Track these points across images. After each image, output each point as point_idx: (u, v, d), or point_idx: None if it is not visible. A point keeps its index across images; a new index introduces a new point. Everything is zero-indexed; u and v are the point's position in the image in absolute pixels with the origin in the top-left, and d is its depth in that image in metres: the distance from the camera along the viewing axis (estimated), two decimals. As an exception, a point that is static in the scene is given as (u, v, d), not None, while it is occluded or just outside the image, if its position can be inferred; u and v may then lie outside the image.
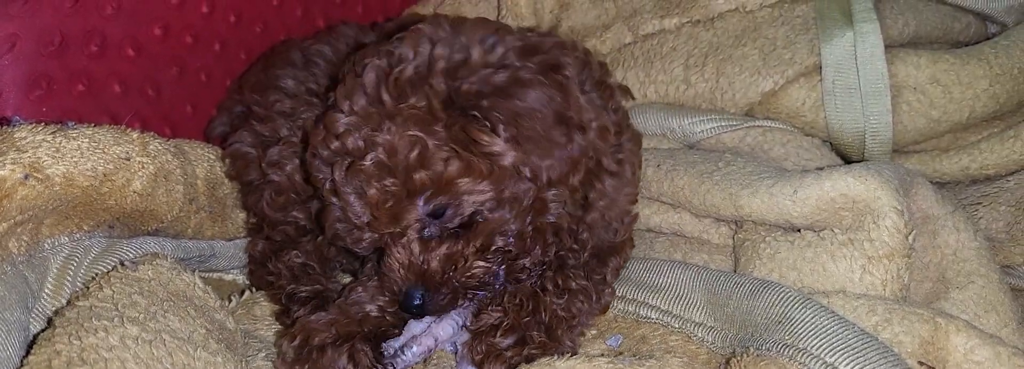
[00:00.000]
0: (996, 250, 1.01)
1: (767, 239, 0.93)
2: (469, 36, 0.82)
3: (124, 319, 0.69)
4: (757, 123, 1.11)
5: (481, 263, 0.82)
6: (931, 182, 1.08)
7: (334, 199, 0.80)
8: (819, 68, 1.09)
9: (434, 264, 0.81)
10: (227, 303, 0.95)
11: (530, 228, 0.83)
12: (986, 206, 1.06)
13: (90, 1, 0.98)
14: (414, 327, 0.87)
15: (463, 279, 0.82)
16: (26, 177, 0.71)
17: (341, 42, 1.10)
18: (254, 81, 1.11)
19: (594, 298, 0.89)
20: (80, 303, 0.71)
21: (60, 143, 0.76)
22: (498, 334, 0.82)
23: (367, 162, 0.76)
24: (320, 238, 0.99)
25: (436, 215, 0.80)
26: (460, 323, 0.88)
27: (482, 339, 0.83)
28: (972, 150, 1.09)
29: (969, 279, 0.89)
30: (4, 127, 0.76)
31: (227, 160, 1.04)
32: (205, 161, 1.00)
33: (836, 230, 0.89)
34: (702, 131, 1.12)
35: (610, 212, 0.92)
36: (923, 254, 0.92)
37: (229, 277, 1.05)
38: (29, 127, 0.76)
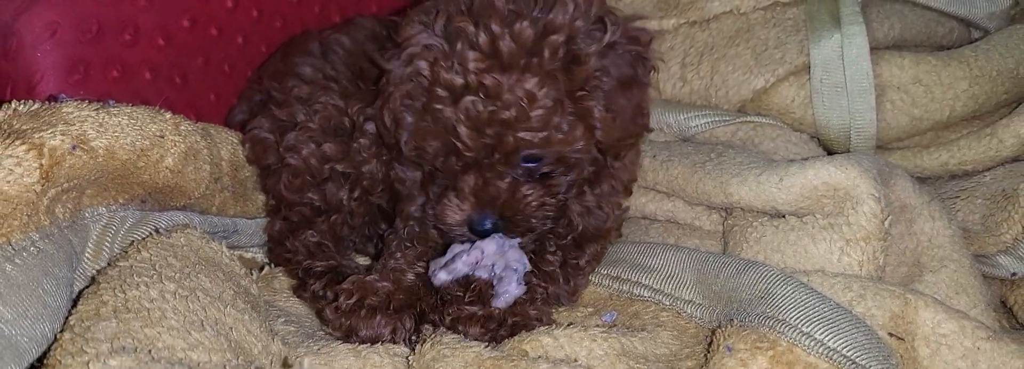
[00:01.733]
0: (972, 240, 1.07)
1: (754, 224, 1.00)
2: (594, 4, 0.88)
3: (162, 277, 0.75)
4: (749, 119, 1.18)
5: (552, 202, 0.91)
6: (914, 176, 1.16)
7: (436, 123, 0.84)
8: (808, 67, 1.16)
9: (516, 199, 0.88)
10: (252, 275, 1.01)
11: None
12: (964, 199, 1.12)
13: (126, -9, 1.05)
14: (457, 248, 0.93)
15: (526, 216, 0.89)
16: (74, 148, 0.77)
17: (358, 33, 1.17)
18: (273, 69, 1.18)
19: (564, 280, 0.96)
20: (121, 263, 0.77)
21: (103, 119, 0.83)
22: (468, 298, 0.90)
23: (494, 107, 0.81)
24: (334, 218, 1.06)
25: (528, 161, 0.86)
26: (504, 244, 0.93)
27: (454, 305, 0.90)
28: (951, 147, 1.15)
29: (942, 263, 0.96)
30: (52, 103, 0.82)
31: (247, 145, 1.10)
32: (228, 144, 1.06)
33: (818, 215, 0.95)
34: (697, 126, 1.19)
35: (606, 198, 0.99)
36: (900, 241, 0.98)
37: (248, 255, 1.11)
38: (75, 103, 0.83)
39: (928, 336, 0.83)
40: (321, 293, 0.95)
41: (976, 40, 1.28)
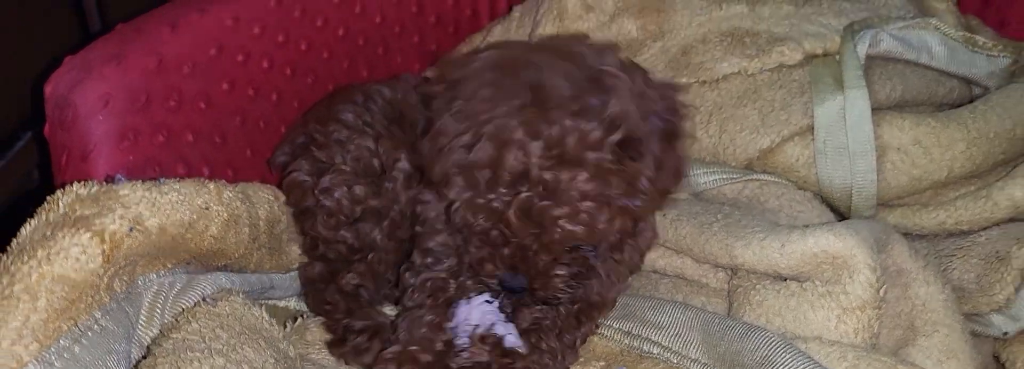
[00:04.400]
0: (966, 299, 1.13)
1: (757, 287, 1.06)
2: (637, 79, 0.94)
3: (211, 351, 0.83)
4: (755, 176, 1.24)
5: (571, 281, 0.96)
6: (913, 234, 1.22)
7: (485, 204, 0.89)
8: (812, 129, 1.22)
9: (546, 275, 0.93)
10: (286, 329, 1.09)
11: None
12: (960, 258, 1.18)
13: (171, 63, 1.13)
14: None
15: (554, 288, 0.95)
16: (131, 230, 0.84)
17: (401, 85, 1.24)
18: (318, 115, 1.25)
19: (559, 359, 1.02)
20: (174, 335, 0.85)
21: (155, 198, 0.90)
22: None
23: (546, 203, 0.86)
24: (371, 256, 1.13)
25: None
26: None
27: None
28: (949, 207, 1.21)
29: (935, 328, 1.02)
30: (109, 184, 0.90)
31: (285, 189, 1.17)
32: (266, 203, 1.13)
33: (817, 282, 1.02)
34: (706, 182, 1.25)
35: (624, 265, 1.05)
36: (896, 304, 1.04)
37: (282, 304, 1.18)
38: (130, 184, 0.90)
39: (914, 406, 0.89)
40: (365, 348, 1.02)
41: (977, 97, 1.34)
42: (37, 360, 0.72)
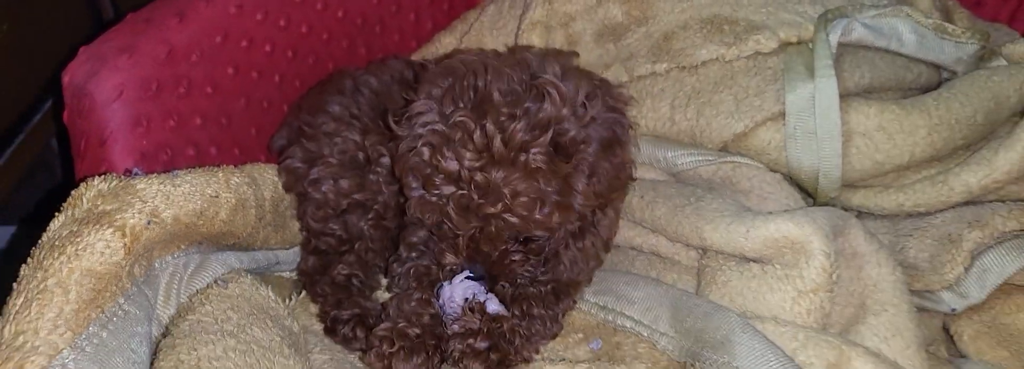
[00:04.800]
0: (919, 277, 1.22)
1: (723, 267, 1.15)
2: (579, 87, 1.02)
3: (223, 332, 0.92)
4: (729, 159, 1.31)
5: (528, 264, 1.09)
6: (875, 214, 1.30)
7: (430, 199, 0.99)
8: (784, 115, 1.29)
9: (501, 263, 1.06)
10: (290, 301, 1.19)
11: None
12: (916, 238, 1.26)
13: (180, 52, 1.20)
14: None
15: (511, 273, 1.08)
16: (149, 223, 0.93)
17: (386, 75, 1.32)
18: (310, 103, 1.33)
19: (548, 325, 1.12)
20: (190, 317, 0.95)
21: (169, 190, 0.98)
22: (477, 339, 1.06)
23: (483, 201, 0.96)
24: (358, 246, 1.22)
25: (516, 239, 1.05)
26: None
27: (462, 340, 1.06)
28: (908, 190, 1.29)
29: (883, 307, 1.11)
30: (127, 178, 0.98)
31: (282, 174, 1.25)
32: (270, 184, 1.22)
33: (777, 265, 1.11)
34: (683, 163, 1.33)
35: (587, 248, 1.14)
36: (850, 284, 1.13)
37: (288, 275, 1.28)
38: (146, 178, 0.98)
39: (857, 382, 0.99)
40: (351, 336, 1.12)
41: (945, 81, 1.41)
42: (71, 347, 0.82)
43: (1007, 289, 1.23)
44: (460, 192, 0.96)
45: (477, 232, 1.01)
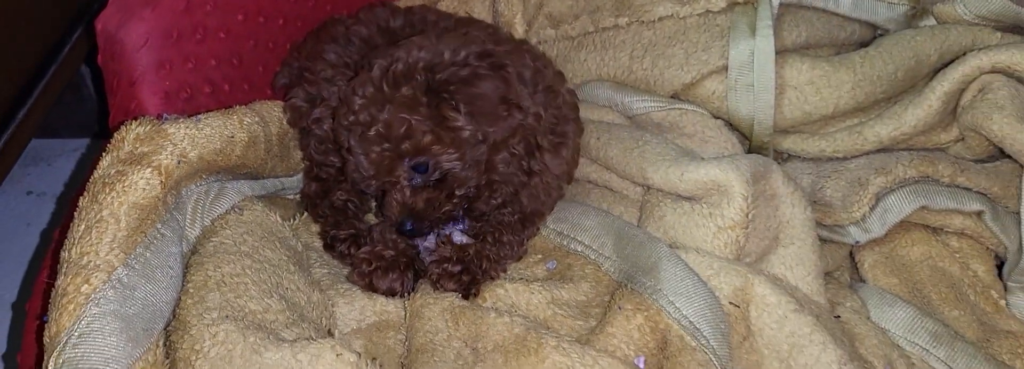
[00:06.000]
0: (831, 213, 1.42)
1: (660, 204, 1.35)
2: (445, 44, 1.22)
3: (241, 253, 1.13)
4: (678, 106, 1.50)
5: (449, 204, 1.25)
6: (801, 156, 1.50)
7: (350, 156, 1.22)
8: (726, 68, 1.47)
9: (419, 204, 1.23)
10: (294, 221, 1.39)
11: (483, 180, 1.27)
12: (833, 180, 1.46)
13: (195, 4, 1.36)
14: None
15: (438, 215, 1.25)
16: (178, 163, 1.12)
17: (373, 25, 1.48)
18: (308, 49, 1.50)
19: (514, 249, 1.31)
20: (214, 239, 1.15)
21: (193, 133, 1.17)
22: (450, 264, 1.25)
23: (371, 133, 1.18)
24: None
25: (418, 170, 1.19)
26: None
27: (439, 265, 1.26)
28: (830, 138, 1.48)
29: (792, 241, 1.31)
30: (159, 122, 1.17)
31: (287, 111, 1.44)
32: (276, 120, 1.40)
33: (704, 204, 1.30)
34: (638, 108, 1.52)
35: (545, 184, 1.32)
36: (767, 220, 1.33)
37: (291, 197, 1.48)
38: (174, 122, 1.16)
39: (758, 304, 1.20)
40: (346, 253, 1.33)
41: (878, 37, 1.58)
42: (124, 265, 1.03)
43: (905, 226, 1.45)
44: (359, 131, 1.18)
45: (379, 171, 1.20)
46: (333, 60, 1.43)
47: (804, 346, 1.16)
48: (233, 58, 1.46)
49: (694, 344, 1.14)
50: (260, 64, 1.53)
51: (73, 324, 0.97)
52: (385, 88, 1.17)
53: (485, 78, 1.20)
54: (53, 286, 1.02)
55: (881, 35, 1.59)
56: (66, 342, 0.96)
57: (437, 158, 1.20)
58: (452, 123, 1.18)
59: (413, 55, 1.20)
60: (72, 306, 0.98)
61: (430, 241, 1.30)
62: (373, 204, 1.45)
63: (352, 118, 1.19)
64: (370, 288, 1.25)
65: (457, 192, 1.25)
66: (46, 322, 1.00)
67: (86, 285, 0.99)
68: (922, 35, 1.50)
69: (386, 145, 1.18)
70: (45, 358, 0.97)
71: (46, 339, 0.99)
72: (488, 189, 1.28)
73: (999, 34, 1.51)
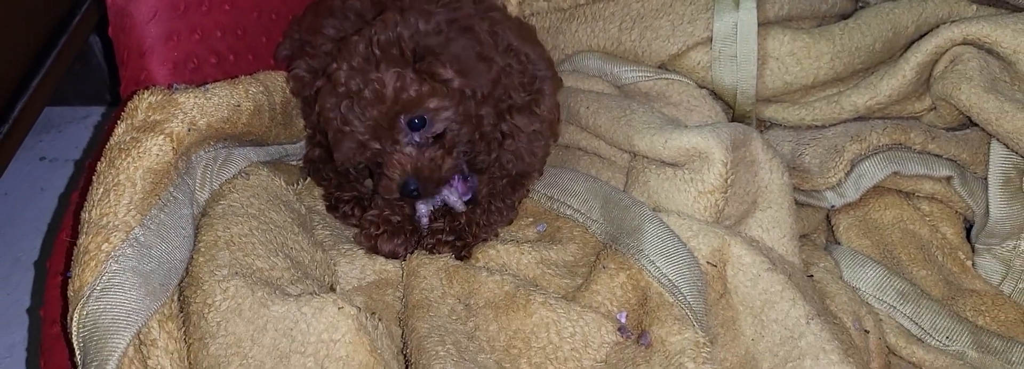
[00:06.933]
0: (809, 179, 1.50)
1: (645, 170, 1.42)
2: (414, 16, 1.28)
3: (248, 215, 1.21)
4: (665, 75, 1.57)
5: (451, 161, 1.30)
6: (782, 124, 1.57)
7: (344, 127, 1.26)
8: (711, 40, 1.54)
9: (420, 162, 1.28)
10: (297, 185, 1.47)
11: (476, 135, 1.33)
12: (812, 147, 1.53)
13: (202, -23, 1.43)
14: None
15: (441, 172, 1.30)
16: (189, 130, 1.19)
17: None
18: (307, 22, 1.55)
19: (505, 214, 1.39)
20: (223, 202, 1.23)
21: (202, 102, 1.23)
22: (445, 234, 1.33)
23: (365, 94, 1.22)
24: None
25: (415, 127, 1.22)
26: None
27: (433, 236, 1.34)
28: (809, 107, 1.55)
29: (769, 205, 1.39)
30: (170, 92, 1.24)
31: (290, 81, 1.50)
32: (280, 89, 1.46)
33: (686, 170, 1.37)
34: (627, 78, 1.58)
35: (524, 143, 1.38)
36: (746, 185, 1.40)
37: (295, 162, 1.56)
38: (184, 92, 1.23)
39: (734, 264, 1.28)
40: (350, 213, 1.40)
41: (859, 9, 1.64)
42: (140, 225, 1.10)
43: (879, 191, 1.53)
44: (346, 101, 1.24)
45: (376, 134, 1.22)
46: (332, 35, 1.48)
47: (775, 302, 1.23)
48: (237, 29, 1.53)
49: (672, 300, 1.22)
50: (263, 35, 1.59)
51: (95, 279, 1.05)
52: (375, 52, 1.22)
53: (459, 39, 1.27)
54: (74, 245, 1.10)
55: (862, 8, 1.65)
56: (90, 295, 1.03)
57: (433, 112, 1.25)
58: (443, 77, 1.23)
59: (391, 28, 1.25)
60: (94, 263, 1.06)
61: (428, 207, 1.37)
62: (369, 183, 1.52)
63: (342, 89, 1.24)
64: (374, 250, 1.32)
65: (456, 148, 1.30)
66: (70, 277, 1.07)
67: (106, 243, 1.07)
68: (900, 7, 1.56)
69: (380, 106, 1.22)
70: (70, 310, 1.05)
71: (70, 293, 1.07)
72: (481, 143, 1.35)
73: (974, 7, 1.57)
